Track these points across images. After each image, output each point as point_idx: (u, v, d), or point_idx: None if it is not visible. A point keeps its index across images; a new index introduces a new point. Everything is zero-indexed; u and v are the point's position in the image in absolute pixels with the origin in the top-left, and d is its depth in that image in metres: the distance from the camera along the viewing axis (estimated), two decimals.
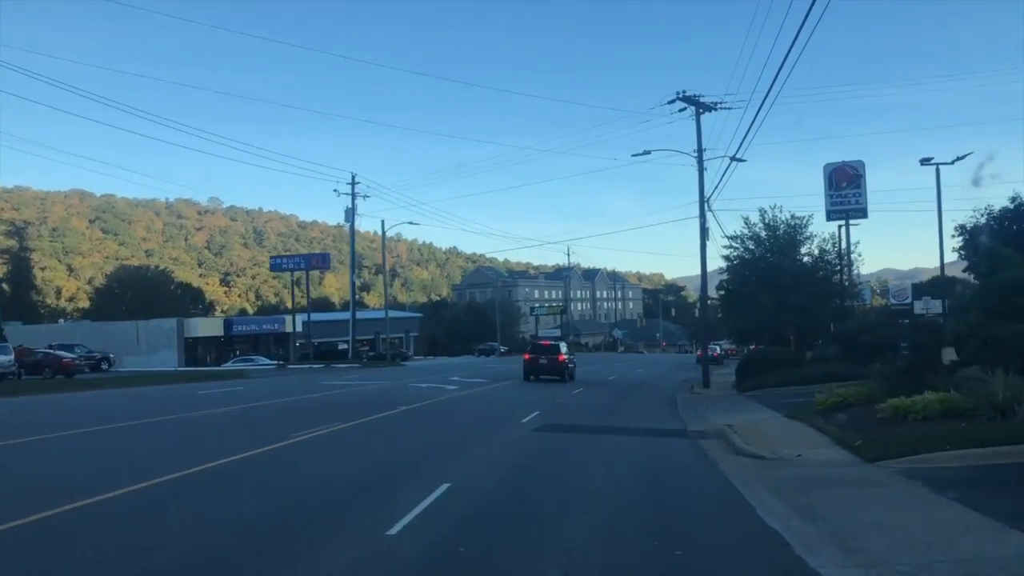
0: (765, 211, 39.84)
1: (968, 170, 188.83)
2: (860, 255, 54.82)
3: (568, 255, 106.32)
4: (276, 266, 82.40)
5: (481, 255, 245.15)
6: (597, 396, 33.05)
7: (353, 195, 65.04)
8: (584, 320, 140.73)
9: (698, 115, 34.10)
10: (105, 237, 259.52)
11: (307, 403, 27.09)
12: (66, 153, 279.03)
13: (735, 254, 40.17)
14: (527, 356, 39.96)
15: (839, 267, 41.96)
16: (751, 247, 39.71)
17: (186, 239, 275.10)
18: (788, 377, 30.03)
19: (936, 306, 40.62)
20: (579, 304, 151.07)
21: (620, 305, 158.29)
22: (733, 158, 30.23)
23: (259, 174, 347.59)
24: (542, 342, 46.27)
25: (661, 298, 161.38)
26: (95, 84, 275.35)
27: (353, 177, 65.78)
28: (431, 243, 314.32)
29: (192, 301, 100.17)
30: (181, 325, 69.23)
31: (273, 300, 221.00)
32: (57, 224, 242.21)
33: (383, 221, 70.12)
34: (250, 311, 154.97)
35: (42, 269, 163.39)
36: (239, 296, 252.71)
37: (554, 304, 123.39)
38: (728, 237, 41.39)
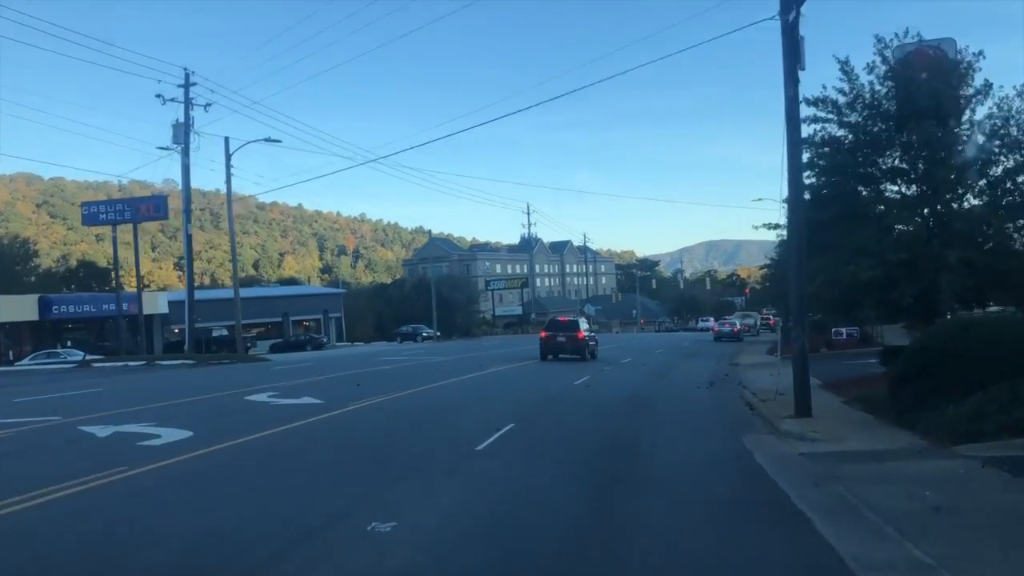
0: (887, 43, 19.27)
1: None
2: None
3: (528, 215, 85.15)
4: (91, 218, 54.82)
5: (449, 234, 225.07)
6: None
7: (187, 103, 43.46)
8: (552, 297, 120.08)
9: None
10: (52, 222, 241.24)
11: None
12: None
13: (825, 134, 18.72)
14: (543, 334, 35.86)
15: None
16: (857, 120, 18.39)
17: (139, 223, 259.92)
18: None
19: None
20: (546, 279, 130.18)
21: (592, 280, 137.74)
22: None
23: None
24: (559, 318, 39.74)
25: (636, 273, 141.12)
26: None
27: (187, 76, 44.12)
28: (396, 223, 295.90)
29: (93, 279, 77.08)
30: None
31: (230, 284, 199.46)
32: (1, 209, 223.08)
33: (227, 139, 43.77)
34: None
35: None
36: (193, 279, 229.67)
37: (515, 278, 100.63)
38: (814, 101, 19.18)
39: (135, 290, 53.75)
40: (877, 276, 17.26)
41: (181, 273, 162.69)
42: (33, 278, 72.75)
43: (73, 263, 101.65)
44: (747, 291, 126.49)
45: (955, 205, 18.56)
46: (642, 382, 26.33)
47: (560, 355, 34.30)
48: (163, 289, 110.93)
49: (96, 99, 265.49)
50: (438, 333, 70.46)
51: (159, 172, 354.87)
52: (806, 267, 15.41)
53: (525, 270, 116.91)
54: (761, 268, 62.37)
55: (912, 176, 18.57)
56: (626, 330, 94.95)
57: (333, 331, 78.47)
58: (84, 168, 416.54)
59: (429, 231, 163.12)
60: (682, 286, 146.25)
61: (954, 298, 17.58)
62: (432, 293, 72.24)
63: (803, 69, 14.01)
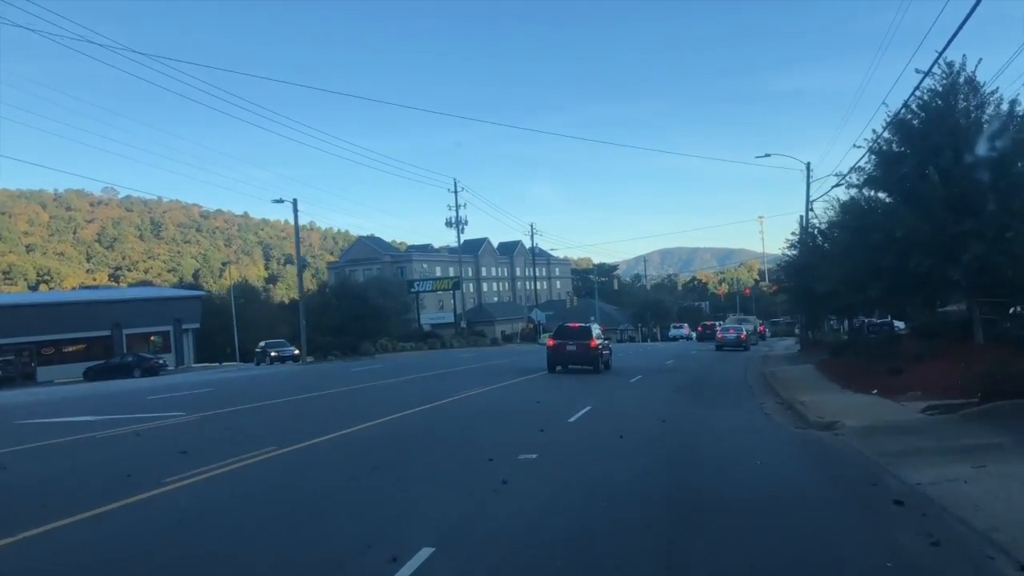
0: None
1: None
2: None
3: (455, 193, 66.98)
4: None
5: (402, 242, 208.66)
6: None
7: None
8: (502, 303, 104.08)
9: None
10: None
11: None
12: None
13: None
14: (551, 342, 30.92)
15: None
16: None
17: (75, 232, 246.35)
18: None
19: None
20: (494, 283, 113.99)
21: (545, 284, 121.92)
22: None
23: (159, 161, 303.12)
24: (570, 325, 33.04)
25: (594, 278, 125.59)
26: None
27: None
28: (347, 231, 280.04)
29: None
30: None
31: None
32: None
33: None
34: None
35: None
36: None
37: (444, 279, 77.80)
38: None
39: None
40: None
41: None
42: None
43: None
44: (747, 291, 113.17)
45: None
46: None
47: (570, 366, 30.30)
48: None
49: None
50: (301, 354, 51.28)
51: None
52: None
53: (471, 273, 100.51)
54: (776, 265, 48.17)
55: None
56: None
57: (189, 347, 60.91)
58: None
59: (392, 243, 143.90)
60: (648, 286, 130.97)
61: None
62: (381, 299, 54.05)
63: None
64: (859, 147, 20.22)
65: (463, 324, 66.28)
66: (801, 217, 38.58)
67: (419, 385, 24.15)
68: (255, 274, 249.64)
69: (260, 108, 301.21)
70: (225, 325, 69.54)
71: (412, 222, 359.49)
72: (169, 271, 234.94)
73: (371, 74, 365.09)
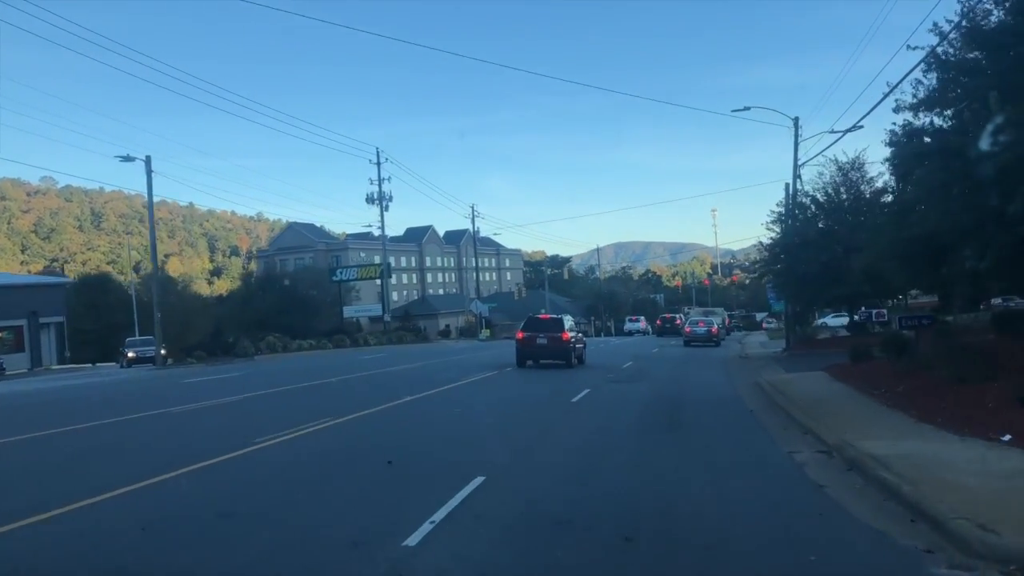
0: None
1: None
2: None
3: (378, 165, 56.43)
4: None
5: (342, 232, 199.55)
6: None
7: None
8: (448, 295, 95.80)
9: None
10: None
11: None
12: None
13: None
14: (520, 335, 28.89)
15: None
16: None
17: (9, 223, 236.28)
18: None
19: None
20: (440, 274, 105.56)
21: (495, 276, 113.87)
22: None
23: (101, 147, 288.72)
24: (540, 316, 31.05)
25: (546, 270, 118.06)
26: None
27: None
28: (296, 221, 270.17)
29: None
30: None
31: None
32: None
33: None
34: None
35: None
36: None
37: (369, 266, 66.37)
38: None
39: None
40: None
41: None
42: None
43: None
44: (706, 282, 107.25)
45: None
46: None
47: (541, 360, 28.28)
48: None
49: None
50: (160, 356, 40.50)
51: None
52: None
53: (414, 263, 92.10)
54: (755, 263, 40.43)
55: None
56: None
57: (51, 343, 51.56)
58: None
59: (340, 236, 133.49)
60: (603, 278, 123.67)
61: None
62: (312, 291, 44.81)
63: None
64: (916, 48, 13.09)
65: (387, 318, 57.62)
66: (787, 185, 31.53)
67: (210, 418, 15.70)
68: (199, 266, 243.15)
69: (219, 90, 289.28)
70: (132, 321, 60.61)
71: (358, 211, 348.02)
72: (109, 263, 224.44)
73: (327, 61, 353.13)
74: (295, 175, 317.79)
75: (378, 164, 53.51)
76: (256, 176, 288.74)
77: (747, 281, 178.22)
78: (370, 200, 52.72)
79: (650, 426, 13.08)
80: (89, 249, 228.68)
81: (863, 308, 30.38)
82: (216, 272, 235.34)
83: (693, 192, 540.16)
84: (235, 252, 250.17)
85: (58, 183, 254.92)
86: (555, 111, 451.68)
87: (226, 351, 44.25)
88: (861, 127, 22.15)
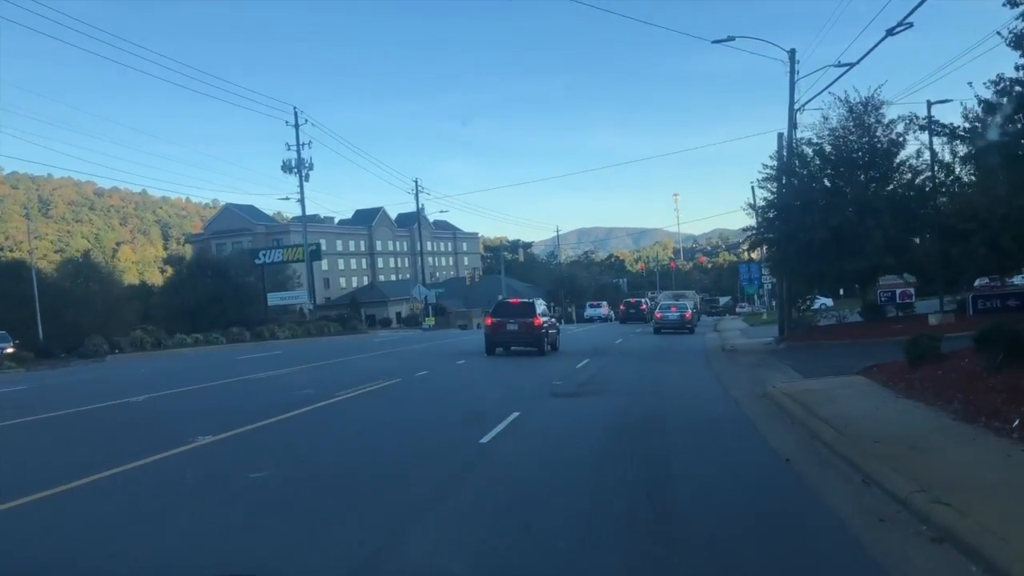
0: None
1: None
2: None
3: (296, 127, 48.28)
4: None
5: (289, 215, 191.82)
6: None
7: None
8: (401, 281, 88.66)
9: None
10: None
11: None
12: None
13: None
14: (488, 320, 27.67)
15: None
16: None
17: None
18: None
19: None
20: (392, 259, 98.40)
21: (452, 260, 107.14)
22: None
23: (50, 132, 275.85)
24: (511, 301, 30.03)
25: (505, 254, 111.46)
26: None
27: None
28: (252, 204, 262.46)
29: None
30: None
31: None
32: None
33: None
34: None
35: None
36: None
37: (293, 247, 54.59)
38: None
39: None
40: None
41: None
42: None
43: None
44: (672, 264, 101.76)
45: None
46: None
47: (512, 347, 26.68)
48: None
49: None
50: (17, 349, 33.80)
51: None
52: None
53: (363, 247, 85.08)
54: (746, 230, 34.23)
55: None
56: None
57: None
58: None
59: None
60: (565, 262, 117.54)
61: None
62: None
63: None
64: None
65: (310, 307, 50.35)
66: (780, 135, 25.55)
67: None
68: (152, 254, 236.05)
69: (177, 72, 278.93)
70: (53, 308, 52.58)
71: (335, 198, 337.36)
72: (56, 252, 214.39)
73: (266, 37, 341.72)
74: (250, 158, 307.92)
75: (296, 126, 46.01)
76: (215, 161, 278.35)
77: (709, 266, 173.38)
78: (287, 168, 45.34)
79: (609, 519, 6.32)
80: (35, 237, 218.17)
81: (880, 287, 24.68)
82: (169, 260, 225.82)
83: (656, 177, 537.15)
84: (189, 240, 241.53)
85: (3, 170, 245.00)
86: (513, 94, 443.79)
87: (70, 349, 35.09)
88: (910, 25, 16.00)
